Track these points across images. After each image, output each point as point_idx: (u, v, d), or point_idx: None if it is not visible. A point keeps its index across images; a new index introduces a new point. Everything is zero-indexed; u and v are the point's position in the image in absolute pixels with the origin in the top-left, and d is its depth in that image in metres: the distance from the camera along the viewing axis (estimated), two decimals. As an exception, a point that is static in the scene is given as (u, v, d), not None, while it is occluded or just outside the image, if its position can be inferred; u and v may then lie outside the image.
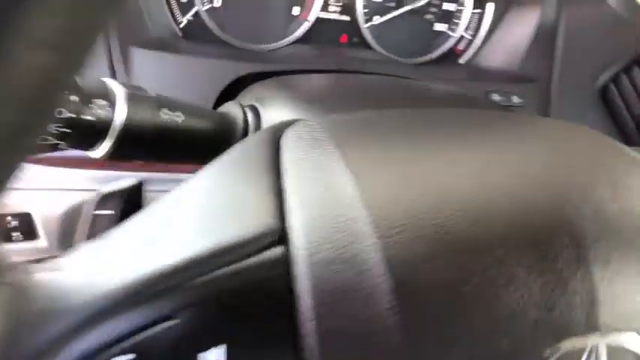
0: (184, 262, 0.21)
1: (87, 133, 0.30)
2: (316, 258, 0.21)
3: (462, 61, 0.77)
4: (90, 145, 0.31)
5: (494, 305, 0.21)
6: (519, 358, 0.21)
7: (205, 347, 0.20)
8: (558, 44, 0.67)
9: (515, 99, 0.65)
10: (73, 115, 0.29)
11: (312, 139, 0.26)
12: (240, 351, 0.20)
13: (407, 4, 0.71)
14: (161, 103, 0.33)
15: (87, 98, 0.29)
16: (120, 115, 0.31)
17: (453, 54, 0.77)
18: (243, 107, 0.40)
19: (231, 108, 0.40)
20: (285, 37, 0.69)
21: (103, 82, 0.31)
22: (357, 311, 0.20)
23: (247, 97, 0.47)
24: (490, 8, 0.74)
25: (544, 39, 0.67)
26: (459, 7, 0.74)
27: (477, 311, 0.21)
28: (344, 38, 0.73)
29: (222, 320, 0.21)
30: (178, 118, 0.34)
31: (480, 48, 0.75)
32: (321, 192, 0.23)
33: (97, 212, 0.32)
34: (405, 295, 0.20)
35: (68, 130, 0.29)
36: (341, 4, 0.71)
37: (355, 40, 0.73)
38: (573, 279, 0.22)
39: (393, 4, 0.71)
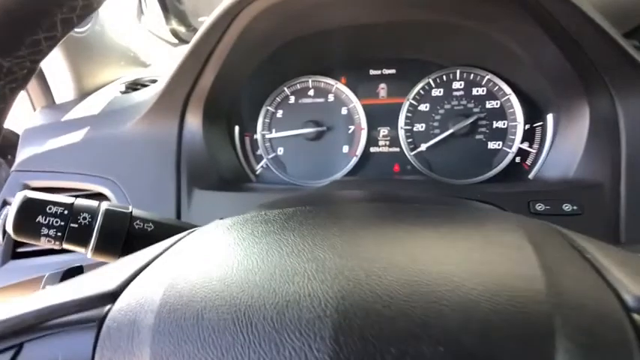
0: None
1: (75, 238, 0.42)
2: None
3: (531, 176, 0.72)
4: (82, 244, 0.42)
5: None
6: None
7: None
8: (622, 142, 0.59)
9: (567, 207, 0.57)
10: (62, 224, 0.41)
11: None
12: None
13: (450, 128, 0.73)
14: (135, 217, 0.43)
15: (76, 213, 0.42)
16: (97, 225, 0.42)
17: (520, 170, 0.73)
18: None
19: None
20: (337, 172, 0.77)
21: (95, 203, 0.44)
22: None
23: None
24: (550, 119, 0.70)
25: (602, 139, 0.60)
26: (512, 123, 0.73)
27: None
28: (396, 168, 0.77)
29: None
30: (149, 227, 0.44)
31: (545, 160, 0.70)
32: None
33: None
34: None
35: (60, 234, 0.41)
36: (388, 137, 0.77)
37: (408, 168, 0.77)
38: None
39: (437, 131, 0.75)
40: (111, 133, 0.72)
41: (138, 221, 0.44)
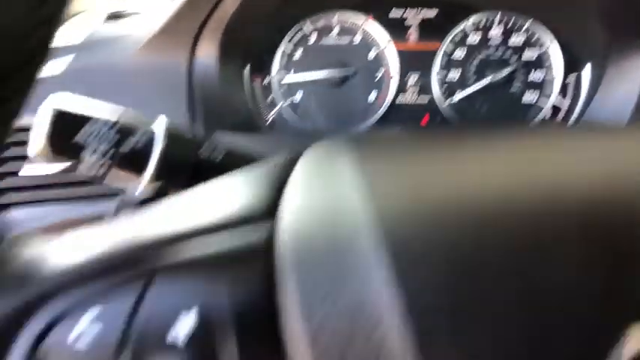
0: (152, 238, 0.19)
1: (127, 164, 0.32)
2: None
3: (563, 131, 0.69)
4: (135, 173, 0.32)
5: None
6: None
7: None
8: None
9: None
10: (108, 147, 0.31)
11: (328, 154, 0.24)
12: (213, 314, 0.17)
13: (487, 77, 0.68)
14: (201, 143, 0.34)
15: (125, 132, 0.32)
16: (159, 149, 0.32)
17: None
18: None
19: None
20: (362, 123, 0.70)
21: (148, 120, 0.34)
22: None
23: None
24: (586, 72, 0.68)
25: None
26: (548, 77, 0.69)
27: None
28: (425, 119, 0.72)
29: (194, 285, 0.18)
30: (217, 157, 0.34)
31: (580, 116, 0.67)
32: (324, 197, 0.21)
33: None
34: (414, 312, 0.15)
35: (107, 159, 0.31)
36: (418, 85, 0.71)
37: (438, 119, 0.71)
38: None
39: (472, 80, 0.70)
40: (105, 63, 0.59)
41: (204, 148, 0.34)
